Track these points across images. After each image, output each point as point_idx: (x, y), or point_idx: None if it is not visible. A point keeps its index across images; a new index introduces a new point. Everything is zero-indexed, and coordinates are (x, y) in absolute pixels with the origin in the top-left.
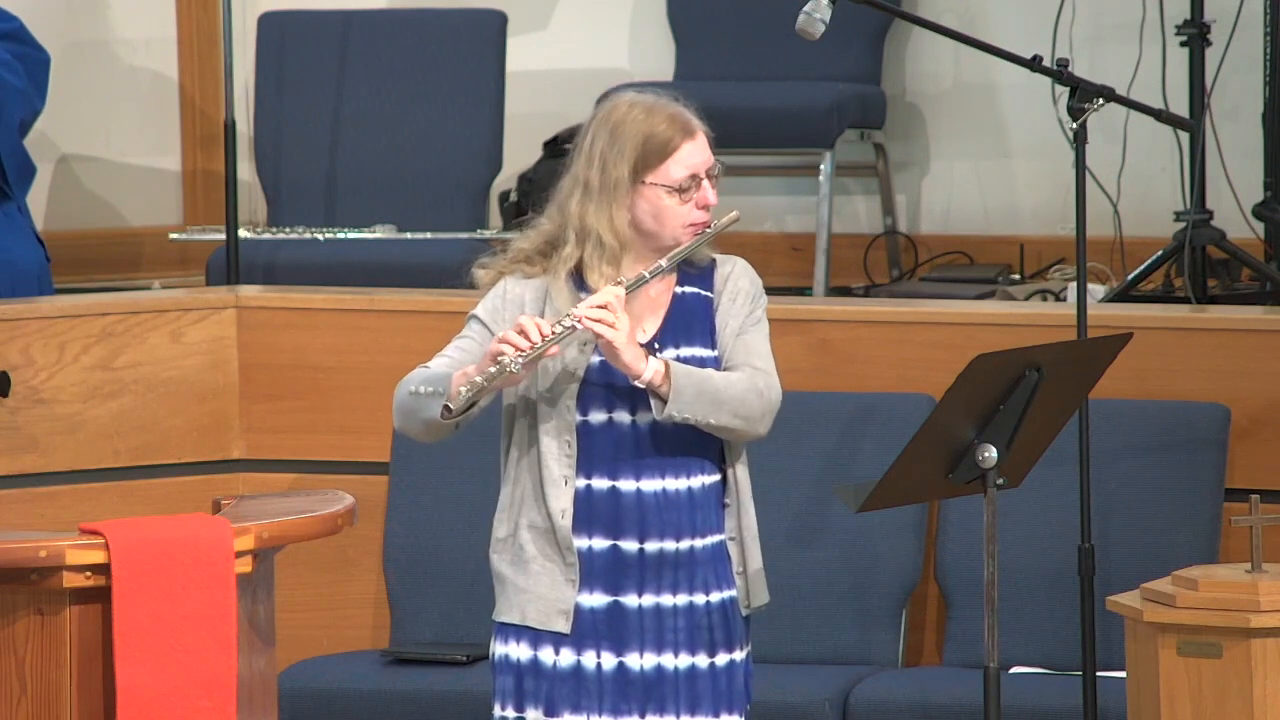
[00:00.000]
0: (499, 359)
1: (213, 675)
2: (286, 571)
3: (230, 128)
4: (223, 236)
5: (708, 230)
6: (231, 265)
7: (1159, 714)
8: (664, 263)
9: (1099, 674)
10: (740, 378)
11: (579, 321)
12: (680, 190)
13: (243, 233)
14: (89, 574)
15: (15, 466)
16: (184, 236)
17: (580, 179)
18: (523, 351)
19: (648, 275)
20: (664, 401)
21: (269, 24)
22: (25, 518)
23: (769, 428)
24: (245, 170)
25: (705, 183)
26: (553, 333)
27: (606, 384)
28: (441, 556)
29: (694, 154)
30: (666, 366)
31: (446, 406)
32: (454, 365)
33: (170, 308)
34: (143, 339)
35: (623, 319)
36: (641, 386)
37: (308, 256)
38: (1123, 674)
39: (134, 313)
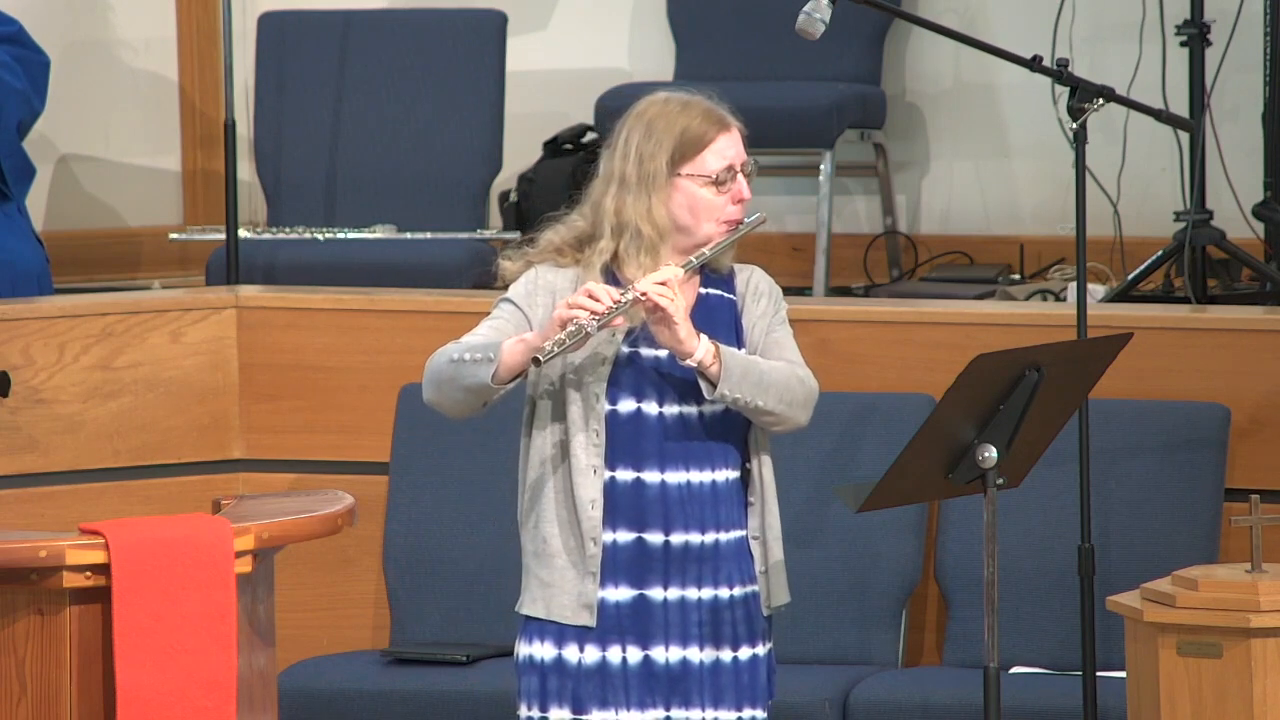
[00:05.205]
0: (575, 321)
1: (213, 675)
2: (286, 571)
3: (230, 128)
4: (223, 236)
5: (742, 225)
6: (231, 265)
7: (1159, 714)
8: (708, 251)
9: (1099, 674)
10: (782, 365)
11: (642, 295)
12: (717, 182)
13: (243, 233)
14: (89, 574)
15: (15, 466)
16: (184, 236)
17: (615, 174)
18: (598, 315)
19: (695, 261)
20: (712, 384)
21: (269, 24)
22: (25, 518)
23: (809, 418)
24: (245, 170)
25: (740, 177)
26: (617, 302)
27: (635, 374)
28: (441, 556)
29: (729, 146)
30: (716, 347)
31: (536, 359)
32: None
33: (170, 308)
34: (143, 339)
35: (679, 297)
36: (692, 365)
37: (308, 256)
38: (1123, 674)
39: (134, 313)
